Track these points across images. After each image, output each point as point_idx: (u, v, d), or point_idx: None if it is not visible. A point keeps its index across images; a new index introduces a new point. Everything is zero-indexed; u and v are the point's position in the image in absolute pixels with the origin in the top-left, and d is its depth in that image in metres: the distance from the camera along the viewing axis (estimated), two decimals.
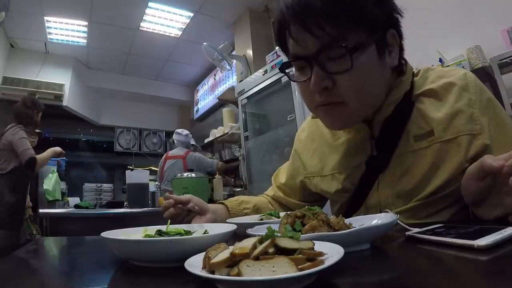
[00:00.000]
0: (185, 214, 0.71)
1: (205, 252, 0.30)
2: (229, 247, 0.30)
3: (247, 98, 2.95)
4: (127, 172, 2.02)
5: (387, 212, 0.48)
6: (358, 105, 0.58)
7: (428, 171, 0.61)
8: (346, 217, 0.71)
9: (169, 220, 0.56)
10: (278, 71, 2.50)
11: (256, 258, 0.26)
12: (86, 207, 2.25)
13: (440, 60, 1.93)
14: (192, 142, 3.36)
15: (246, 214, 0.79)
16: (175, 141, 3.33)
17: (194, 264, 0.30)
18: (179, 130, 3.38)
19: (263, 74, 2.72)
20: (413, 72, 0.68)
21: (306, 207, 0.46)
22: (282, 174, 0.90)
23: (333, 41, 0.53)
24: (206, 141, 4.39)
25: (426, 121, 0.63)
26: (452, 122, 0.61)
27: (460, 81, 0.64)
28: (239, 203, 0.81)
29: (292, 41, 0.57)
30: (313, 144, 0.80)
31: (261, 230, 0.42)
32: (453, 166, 0.60)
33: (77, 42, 4.24)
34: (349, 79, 0.55)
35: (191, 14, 3.77)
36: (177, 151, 3.27)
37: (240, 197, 0.85)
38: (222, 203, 0.81)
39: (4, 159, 2.26)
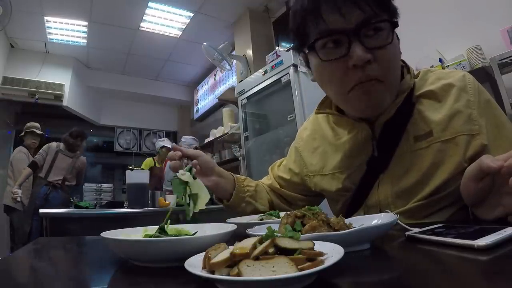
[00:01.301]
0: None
1: (205, 252, 0.30)
2: (229, 247, 0.30)
3: (247, 98, 2.95)
4: (127, 172, 2.01)
5: (387, 212, 0.48)
6: (392, 81, 0.60)
7: (427, 171, 0.61)
8: (346, 217, 0.72)
9: (169, 220, 0.55)
10: (278, 71, 2.52)
11: (256, 258, 0.26)
12: (86, 207, 2.24)
13: (440, 60, 1.93)
14: (196, 144, 3.55)
15: (248, 191, 0.79)
16: (182, 145, 3.50)
17: (194, 264, 0.30)
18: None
19: (263, 74, 2.72)
20: (414, 74, 0.68)
21: (306, 207, 0.46)
22: (281, 168, 0.90)
23: (375, 15, 0.54)
24: (206, 141, 4.39)
25: (425, 122, 0.63)
26: (450, 123, 0.61)
27: (459, 83, 0.64)
28: (244, 179, 0.82)
29: (332, 15, 0.55)
30: (315, 143, 0.80)
31: (261, 230, 0.42)
32: (452, 166, 0.60)
33: (77, 42, 4.24)
34: (387, 53, 0.56)
35: (191, 14, 3.77)
36: None
37: (243, 176, 0.85)
38: (232, 175, 0.81)
39: (73, 176, 3.30)
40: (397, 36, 0.60)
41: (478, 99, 0.62)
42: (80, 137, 3.31)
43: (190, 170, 0.52)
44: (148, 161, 4.07)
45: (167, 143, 3.96)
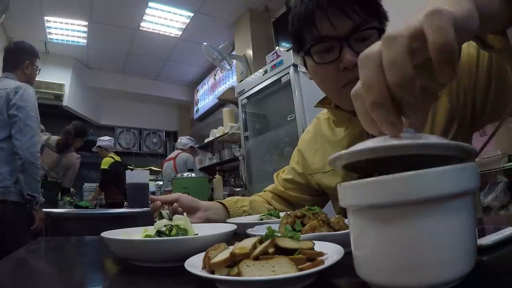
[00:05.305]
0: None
1: (205, 252, 0.30)
2: (229, 247, 0.30)
3: (247, 98, 2.95)
4: (127, 172, 2.02)
5: None
6: None
7: None
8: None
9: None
10: (278, 71, 2.52)
11: (256, 258, 0.26)
12: (86, 207, 2.25)
13: None
14: (192, 144, 3.59)
15: (244, 212, 0.81)
16: (177, 145, 3.65)
17: (194, 264, 0.30)
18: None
19: (263, 74, 2.72)
20: None
21: (306, 207, 0.46)
22: (285, 171, 0.93)
23: (364, 23, 0.61)
24: (206, 141, 4.39)
25: None
26: None
27: None
28: (235, 202, 0.83)
29: (324, 24, 0.61)
30: (317, 144, 0.84)
31: (261, 230, 0.42)
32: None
33: (77, 42, 4.24)
34: None
35: (191, 14, 3.77)
36: (172, 154, 3.56)
37: (234, 197, 0.87)
38: (220, 203, 0.82)
39: (61, 174, 2.86)
40: None
41: None
42: (80, 137, 2.96)
43: (160, 216, 0.52)
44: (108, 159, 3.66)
45: (100, 142, 3.78)
